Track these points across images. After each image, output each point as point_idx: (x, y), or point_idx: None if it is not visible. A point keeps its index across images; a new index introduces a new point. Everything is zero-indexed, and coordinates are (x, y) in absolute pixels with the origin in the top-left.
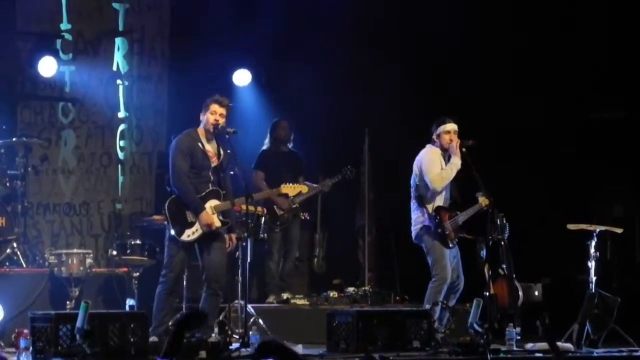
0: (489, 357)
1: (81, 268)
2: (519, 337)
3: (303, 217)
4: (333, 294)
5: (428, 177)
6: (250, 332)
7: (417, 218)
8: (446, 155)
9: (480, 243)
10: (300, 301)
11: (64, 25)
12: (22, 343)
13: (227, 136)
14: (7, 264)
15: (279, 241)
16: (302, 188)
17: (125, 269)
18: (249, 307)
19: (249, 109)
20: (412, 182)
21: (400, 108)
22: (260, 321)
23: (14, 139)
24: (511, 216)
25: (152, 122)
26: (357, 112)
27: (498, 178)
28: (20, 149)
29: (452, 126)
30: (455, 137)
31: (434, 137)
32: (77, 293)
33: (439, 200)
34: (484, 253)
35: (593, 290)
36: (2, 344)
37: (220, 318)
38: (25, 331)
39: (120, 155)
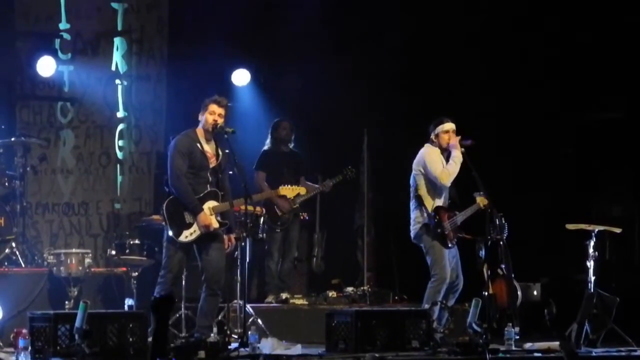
0: (487, 356)
1: (80, 268)
2: (517, 337)
3: (302, 217)
4: (332, 293)
5: (435, 175)
6: (249, 332)
7: (416, 218)
8: (445, 154)
9: (479, 243)
10: (299, 301)
11: (63, 25)
12: (21, 343)
13: (225, 136)
14: (6, 263)
15: (278, 241)
16: (301, 190)
17: (124, 269)
18: (248, 307)
19: (248, 109)
20: (411, 181)
21: (399, 108)
22: (259, 321)
23: (12, 139)
24: (510, 216)
25: (151, 122)
26: (356, 112)
27: (497, 178)
28: (19, 148)
29: (450, 125)
30: (453, 135)
31: (432, 137)
32: (75, 293)
33: (439, 200)
34: (482, 253)
35: (592, 290)
36: (1, 344)
37: (219, 318)
38: (24, 331)
39: (119, 155)
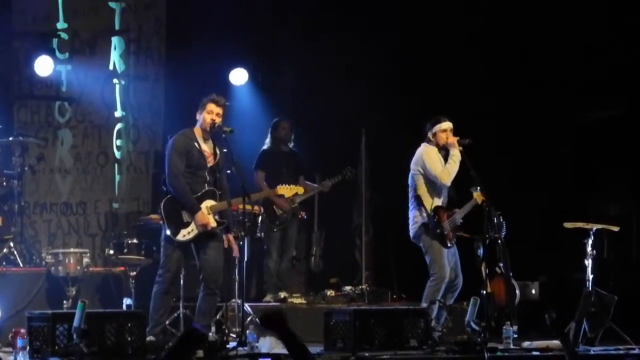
0: (486, 355)
1: (78, 267)
2: (516, 336)
3: (300, 216)
4: (330, 292)
5: (435, 174)
6: (248, 331)
7: (415, 217)
8: (442, 153)
9: (477, 242)
10: (298, 300)
11: (60, 25)
12: (19, 342)
13: (223, 135)
14: (4, 263)
15: (277, 240)
16: (299, 189)
17: (122, 268)
18: (246, 306)
19: (246, 108)
20: (409, 181)
21: (398, 107)
22: (258, 320)
23: (10, 139)
24: (508, 215)
25: (149, 121)
26: (354, 111)
27: (496, 177)
28: (17, 148)
29: (447, 124)
30: (451, 134)
31: (430, 136)
32: (74, 292)
33: (438, 200)
34: (481, 252)
35: (590, 289)
36: (0, 344)
37: (218, 317)
38: (22, 331)
39: (117, 154)
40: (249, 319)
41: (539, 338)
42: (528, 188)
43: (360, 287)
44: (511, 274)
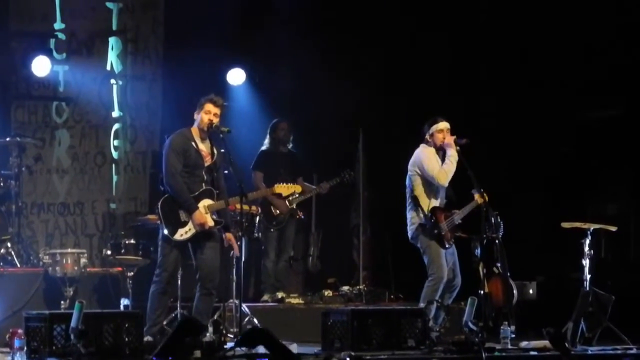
0: (483, 355)
1: (75, 268)
2: (513, 336)
3: (298, 216)
4: (328, 292)
5: (432, 175)
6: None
7: (413, 218)
8: (439, 153)
9: (474, 242)
10: (295, 300)
11: (58, 25)
12: (17, 343)
13: (221, 135)
14: (1, 263)
15: (274, 240)
16: (296, 188)
17: (120, 269)
18: (244, 307)
19: (243, 109)
20: (407, 182)
21: (395, 107)
22: (255, 320)
23: (7, 139)
24: (505, 214)
25: (146, 122)
26: (352, 111)
27: (492, 176)
28: (14, 148)
29: (444, 125)
30: (448, 134)
31: (427, 136)
32: (71, 293)
33: (435, 201)
34: (478, 252)
35: (587, 288)
36: None
37: (215, 317)
38: (20, 331)
39: (115, 154)
40: (246, 319)
41: (537, 338)
42: (527, 188)
43: (357, 287)
44: (509, 274)
